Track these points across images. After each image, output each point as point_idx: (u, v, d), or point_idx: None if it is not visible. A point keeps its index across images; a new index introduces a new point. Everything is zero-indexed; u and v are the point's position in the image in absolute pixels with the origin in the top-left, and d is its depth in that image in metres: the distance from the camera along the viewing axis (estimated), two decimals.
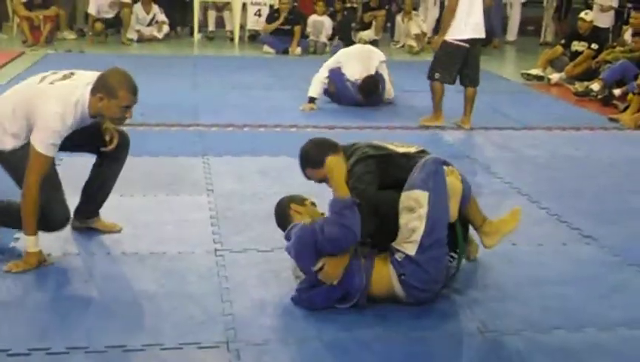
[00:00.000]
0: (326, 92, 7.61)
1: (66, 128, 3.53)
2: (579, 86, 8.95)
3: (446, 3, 6.69)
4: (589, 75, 9.12)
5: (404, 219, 3.34)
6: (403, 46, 12.03)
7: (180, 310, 3.31)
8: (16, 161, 3.62)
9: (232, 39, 12.25)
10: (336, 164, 3.37)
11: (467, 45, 6.59)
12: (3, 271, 3.57)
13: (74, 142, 3.70)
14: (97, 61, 9.09)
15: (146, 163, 5.42)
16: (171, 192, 4.83)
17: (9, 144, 3.62)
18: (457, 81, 6.81)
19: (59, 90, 3.58)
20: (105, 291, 3.57)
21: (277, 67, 9.98)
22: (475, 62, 6.77)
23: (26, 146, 3.57)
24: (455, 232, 3.48)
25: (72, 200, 3.95)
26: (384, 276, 3.34)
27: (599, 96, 8.30)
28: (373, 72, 7.49)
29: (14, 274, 3.55)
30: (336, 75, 7.51)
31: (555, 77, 9.47)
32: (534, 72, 9.71)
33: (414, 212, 3.30)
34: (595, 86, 8.43)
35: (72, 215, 3.88)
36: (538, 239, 4.29)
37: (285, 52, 11.26)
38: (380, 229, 3.41)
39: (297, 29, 11.33)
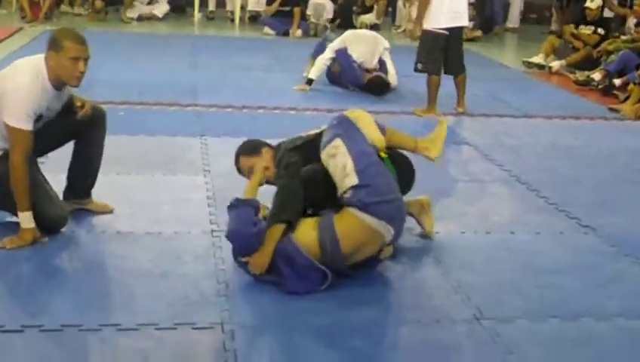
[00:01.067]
0: (328, 74, 7.57)
1: (35, 97, 3.50)
2: (579, 75, 8.93)
3: None
4: (590, 63, 9.10)
5: (331, 165, 3.43)
6: (404, 31, 11.97)
7: (175, 290, 3.29)
8: None
9: (232, 20, 12.20)
10: (259, 170, 3.62)
11: (446, 33, 6.56)
12: None
13: (52, 134, 3.69)
14: (97, 38, 9.04)
15: (144, 142, 5.40)
16: (168, 172, 4.80)
17: None
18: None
19: (16, 67, 3.60)
20: (99, 270, 3.55)
21: (277, 49, 9.93)
22: (456, 50, 6.74)
23: (4, 158, 3.56)
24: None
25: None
26: (350, 222, 3.32)
27: (600, 86, 8.27)
28: (375, 60, 7.44)
29: (8, 250, 3.53)
30: (342, 54, 7.44)
31: (555, 65, 9.44)
32: (535, 59, 9.68)
33: (336, 155, 3.41)
34: (597, 75, 8.40)
35: (64, 206, 3.83)
36: (536, 227, 4.28)
37: (286, 34, 11.20)
38: (320, 195, 3.48)
39: (297, 10, 11.26)
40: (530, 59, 9.73)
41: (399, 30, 12.29)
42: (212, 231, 3.92)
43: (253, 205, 3.44)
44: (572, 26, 9.75)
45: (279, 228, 3.31)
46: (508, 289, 3.51)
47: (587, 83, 8.45)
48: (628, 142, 6.33)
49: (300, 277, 3.29)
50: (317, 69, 7.45)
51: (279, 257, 3.30)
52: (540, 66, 9.59)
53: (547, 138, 6.30)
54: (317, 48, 7.84)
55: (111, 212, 4.05)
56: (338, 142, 3.44)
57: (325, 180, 3.45)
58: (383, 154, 3.60)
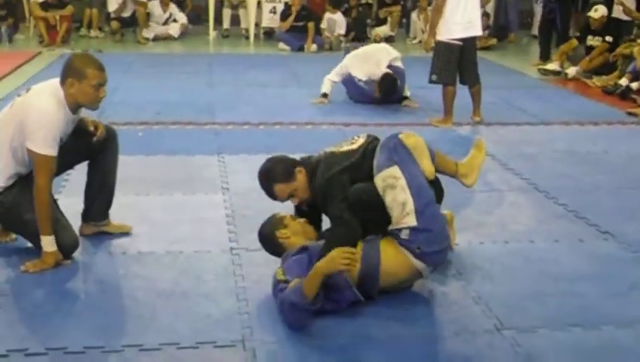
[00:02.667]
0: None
1: (59, 122, 3.55)
2: (597, 80, 8.88)
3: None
4: (607, 68, 9.05)
5: (389, 197, 3.35)
6: (420, 42, 11.99)
7: (196, 309, 3.32)
8: (9, 202, 3.65)
9: (247, 37, 12.27)
10: (334, 259, 3.07)
11: (460, 43, 6.56)
12: (20, 271, 3.60)
13: (65, 157, 3.73)
14: (113, 60, 9.14)
15: (162, 162, 5.45)
16: (187, 191, 4.84)
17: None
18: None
19: (37, 93, 3.64)
20: (121, 291, 3.59)
21: (293, 64, 9.98)
22: (470, 60, 6.74)
23: (16, 185, 3.64)
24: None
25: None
26: (398, 260, 3.32)
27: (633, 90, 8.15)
28: (383, 69, 7.42)
29: (32, 273, 3.58)
30: (346, 80, 7.54)
31: (572, 71, 9.40)
32: (551, 66, 9.64)
33: (395, 187, 3.34)
34: (624, 81, 8.31)
35: (74, 232, 3.84)
36: (555, 235, 4.27)
37: (301, 49, 11.26)
38: (369, 219, 3.42)
39: (311, 25, 11.31)
40: (546, 67, 9.69)
41: (414, 41, 12.30)
42: (231, 249, 3.94)
43: (314, 309, 3.10)
44: (574, 41, 9.71)
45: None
46: (528, 299, 3.50)
47: (615, 90, 8.33)
48: None
49: (331, 297, 3.23)
50: (326, 84, 7.53)
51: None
52: (556, 73, 9.56)
53: (565, 145, 6.28)
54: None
55: (129, 232, 4.08)
56: (397, 172, 3.36)
57: (377, 205, 3.38)
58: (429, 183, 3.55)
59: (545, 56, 10.36)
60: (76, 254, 3.77)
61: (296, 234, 3.53)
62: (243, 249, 3.92)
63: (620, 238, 4.22)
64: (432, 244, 3.34)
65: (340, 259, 3.05)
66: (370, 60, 7.47)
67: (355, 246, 3.29)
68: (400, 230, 3.33)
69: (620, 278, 3.75)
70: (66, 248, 3.70)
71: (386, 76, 7.34)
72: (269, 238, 3.58)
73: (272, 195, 3.67)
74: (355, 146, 3.65)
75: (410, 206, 3.31)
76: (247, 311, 3.31)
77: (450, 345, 3.11)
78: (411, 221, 3.30)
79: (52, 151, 3.54)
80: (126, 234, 4.08)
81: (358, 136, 3.75)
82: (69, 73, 3.59)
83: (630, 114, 7.37)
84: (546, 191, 5.00)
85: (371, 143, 3.63)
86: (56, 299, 3.42)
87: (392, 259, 3.33)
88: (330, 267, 3.06)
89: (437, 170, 3.69)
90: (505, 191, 5.05)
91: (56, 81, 3.65)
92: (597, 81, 8.88)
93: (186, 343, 3.03)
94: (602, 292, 3.58)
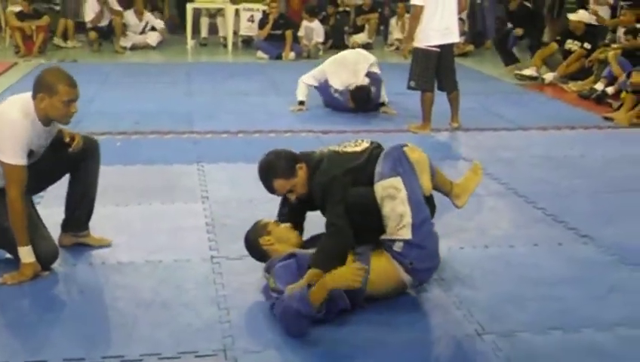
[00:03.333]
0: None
1: (26, 132, 3.53)
2: (573, 85, 8.97)
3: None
4: (583, 73, 9.14)
5: (387, 207, 3.35)
6: (397, 49, 12.04)
7: (177, 318, 3.30)
8: None
9: (225, 45, 12.25)
10: (344, 276, 3.09)
11: (438, 50, 6.60)
12: None
13: (45, 169, 3.73)
14: (91, 70, 9.11)
15: (141, 171, 5.43)
16: (166, 200, 4.82)
17: None
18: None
19: (5, 105, 3.63)
20: (101, 301, 3.56)
21: (271, 72, 9.98)
22: (448, 66, 6.78)
23: None
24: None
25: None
26: (388, 272, 3.35)
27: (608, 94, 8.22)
28: (361, 77, 7.41)
29: (10, 285, 3.54)
30: (323, 88, 7.55)
31: (549, 76, 9.48)
32: (527, 72, 9.72)
33: (396, 198, 3.34)
34: (599, 85, 8.39)
35: (54, 243, 3.81)
36: (534, 239, 4.30)
37: (279, 57, 11.26)
38: (363, 226, 3.40)
39: (289, 33, 11.32)
40: (522, 72, 9.77)
41: (391, 48, 12.34)
42: (212, 257, 3.93)
43: (318, 317, 3.12)
44: (554, 45, 9.80)
45: (319, 274, 3.18)
46: (508, 303, 3.51)
47: (590, 94, 8.41)
48: (623, 151, 6.34)
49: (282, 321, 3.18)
50: (301, 92, 7.53)
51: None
52: (533, 78, 9.64)
53: (542, 149, 6.33)
54: None
55: (109, 246, 4.05)
56: (400, 183, 3.37)
57: (374, 211, 3.39)
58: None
59: (510, 62, 10.43)
60: (55, 265, 3.75)
61: (280, 240, 3.52)
62: (223, 257, 3.91)
63: (598, 242, 4.26)
64: (425, 261, 3.37)
65: (352, 275, 3.07)
66: (348, 68, 7.49)
67: (346, 254, 3.30)
68: (394, 241, 3.34)
69: (599, 281, 3.78)
70: (45, 259, 3.67)
71: (359, 89, 7.36)
72: (254, 245, 3.59)
73: (271, 190, 3.65)
74: (359, 149, 3.65)
75: (408, 219, 3.32)
76: (228, 319, 3.30)
77: (433, 351, 3.12)
78: (407, 234, 3.31)
79: (20, 160, 3.52)
80: (104, 247, 4.04)
81: (362, 140, 3.75)
82: (40, 88, 3.56)
83: (606, 118, 7.44)
84: (525, 195, 5.04)
85: (375, 149, 3.64)
86: (36, 310, 3.39)
87: (382, 270, 3.34)
88: (340, 282, 3.07)
89: (435, 188, 3.71)
90: (484, 196, 5.07)
91: (29, 94, 3.63)
92: (573, 86, 8.97)
93: (168, 353, 3.01)
94: (582, 296, 3.61)
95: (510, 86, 9.48)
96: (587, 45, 9.34)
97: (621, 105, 7.63)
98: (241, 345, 3.09)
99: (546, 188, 5.23)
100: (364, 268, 3.13)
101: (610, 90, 8.15)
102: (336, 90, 7.44)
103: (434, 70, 6.66)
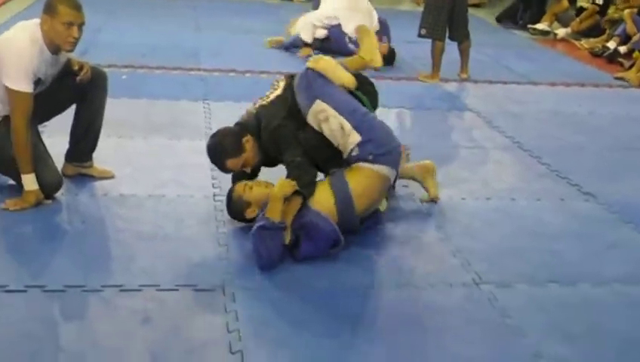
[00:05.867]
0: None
1: (33, 59, 3.50)
2: (585, 42, 8.87)
3: None
4: (597, 30, 9.03)
5: (326, 129, 3.50)
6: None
7: (177, 252, 3.32)
8: None
9: None
10: (283, 185, 3.31)
11: None
12: (0, 209, 3.58)
13: (53, 98, 3.72)
14: (98, 1, 8.99)
15: (146, 106, 5.40)
16: (171, 136, 4.81)
17: None
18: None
19: (14, 31, 3.59)
20: (102, 232, 3.58)
21: (281, 13, 9.84)
22: (460, 16, 6.68)
23: (1, 123, 3.60)
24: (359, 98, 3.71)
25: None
26: (362, 175, 3.44)
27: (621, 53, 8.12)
28: (375, 24, 7.20)
29: (12, 211, 3.56)
30: (335, 35, 7.23)
31: (561, 32, 9.38)
32: (540, 26, 9.61)
33: (328, 118, 3.49)
34: (612, 44, 8.30)
35: (59, 172, 3.82)
36: (537, 194, 4.30)
37: None
38: (325, 158, 3.55)
39: None
40: (535, 26, 9.65)
41: None
42: (214, 195, 3.94)
43: (282, 228, 3.25)
44: (565, 2, 9.63)
45: (298, 201, 3.31)
46: (507, 255, 3.53)
47: (602, 52, 8.31)
48: (632, 110, 6.31)
49: (313, 243, 3.29)
50: (308, 32, 7.28)
51: (297, 226, 3.30)
52: (545, 33, 9.53)
53: (551, 105, 6.29)
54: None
55: (112, 178, 4.05)
56: (321, 105, 3.50)
57: (326, 143, 3.52)
58: (355, 92, 3.69)
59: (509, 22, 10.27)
60: (58, 194, 3.75)
61: (260, 203, 3.44)
62: (225, 196, 3.90)
63: (600, 199, 4.26)
64: (382, 147, 3.48)
65: (287, 182, 3.30)
66: (363, 12, 7.18)
67: (313, 183, 3.42)
68: (352, 151, 3.45)
69: (599, 238, 3.79)
70: (49, 187, 3.68)
71: (392, 52, 7.20)
72: (240, 217, 3.54)
73: (225, 170, 3.66)
74: (279, 91, 3.71)
75: (347, 125, 3.46)
76: (227, 256, 3.32)
77: (427, 296, 3.14)
78: (355, 138, 3.45)
79: (26, 87, 3.50)
80: (107, 178, 4.04)
81: (277, 81, 3.83)
82: (45, 10, 3.54)
83: (618, 78, 7.37)
84: (530, 150, 5.02)
85: (292, 82, 3.70)
86: (38, 237, 3.41)
87: (357, 176, 3.44)
88: (285, 189, 3.27)
89: (353, 74, 3.77)
90: (489, 149, 5.06)
91: (38, 20, 3.59)
92: (585, 43, 8.88)
93: (166, 285, 3.04)
94: (581, 251, 3.62)
95: (522, 40, 9.37)
96: (599, 1, 9.21)
97: (633, 65, 7.56)
98: (238, 282, 3.12)
99: (552, 144, 5.22)
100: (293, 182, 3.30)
101: (622, 48, 8.07)
102: (350, 39, 7.10)
103: (446, 19, 6.58)
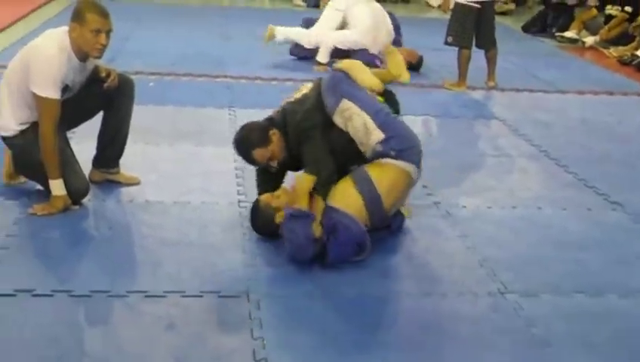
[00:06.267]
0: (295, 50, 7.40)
1: (61, 66, 3.55)
2: (613, 50, 8.80)
3: None
4: (625, 38, 8.95)
5: (350, 127, 3.54)
6: (439, 7, 11.83)
7: (201, 259, 3.34)
8: (24, 144, 3.67)
9: None
10: (303, 180, 3.44)
11: (478, 6, 6.49)
12: (28, 214, 3.62)
13: (81, 105, 3.78)
14: (127, 10, 9.09)
15: (173, 113, 5.45)
16: (197, 143, 4.84)
17: (12, 128, 3.68)
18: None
19: (43, 38, 3.65)
20: (128, 238, 3.61)
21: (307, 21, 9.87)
22: (488, 24, 6.66)
23: (30, 129, 3.65)
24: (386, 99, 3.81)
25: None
26: (386, 172, 3.48)
27: None
28: (393, 34, 7.17)
29: (39, 216, 3.60)
30: (363, 55, 6.76)
31: (589, 40, 9.31)
32: (568, 34, 9.55)
33: (352, 116, 3.52)
34: None
35: (86, 179, 3.86)
36: (563, 203, 4.26)
37: (316, 5, 11.13)
38: (350, 155, 3.58)
39: None
40: (563, 34, 9.59)
41: (434, 3, 12.14)
42: (239, 201, 3.95)
43: (312, 217, 3.31)
44: (593, 10, 9.55)
45: (321, 199, 3.41)
46: (533, 264, 3.50)
47: (631, 60, 8.23)
48: None
49: (342, 246, 3.31)
50: (326, 55, 7.05)
51: (327, 227, 3.32)
52: (573, 41, 9.46)
53: (578, 114, 6.24)
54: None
55: (138, 184, 4.09)
56: (347, 103, 3.54)
57: (350, 144, 3.56)
58: (380, 98, 3.74)
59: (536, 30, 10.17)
60: (85, 200, 3.79)
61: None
62: (251, 202, 3.90)
63: (628, 209, 4.21)
64: (404, 143, 3.53)
65: (308, 177, 3.40)
66: (383, 28, 7.07)
67: (331, 180, 3.47)
68: (373, 149, 3.50)
69: (626, 248, 3.75)
70: (76, 193, 3.72)
71: (420, 59, 7.19)
72: (269, 226, 3.50)
73: (252, 161, 3.67)
74: (306, 90, 3.76)
75: (371, 123, 3.50)
76: (252, 263, 3.33)
77: (452, 305, 3.12)
78: (378, 135, 3.49)
79: (54, 94, 3.55)
80: (133, 185, 4.08)
81: (304, 85, 3.87)
82: (73, 17, 3.59)
83: None
84: (557, 158, 4.99)
85: (319, 84, 3.73)
86: (65, 242, 3.45)
87: (380, 172, 3.48)
88: (302, 186, 3.39)
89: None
90: (515, 157, 5.03)
91: (67, 28, 3.64)
92: (614, 51, 8.80)
93: (191, 292, 3.05)
94: (607, 261, 3.58)
95: (550, 48, 9.31)
96: (628, 8, 9.13)
97: None
98: (263, 289, 3.12)
99: (579, 153, 5.17)
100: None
101: None
102: (377, 57, 6.91)
103: (472, 27, 6.56)
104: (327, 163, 3.50)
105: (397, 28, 7.37)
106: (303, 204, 3.38)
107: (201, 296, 3.03)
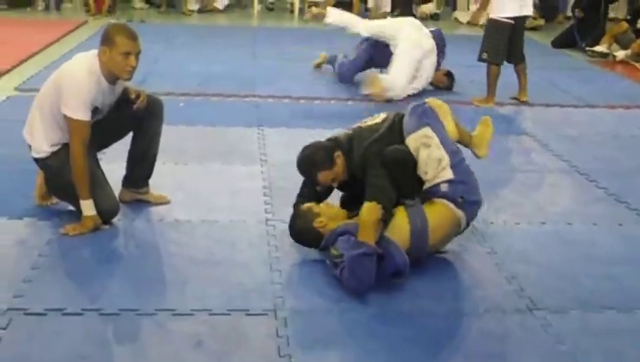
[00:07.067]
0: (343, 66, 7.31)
1: (90, 89, 3.61)
2: None
3: None
4: None
5: (424, 154, 3.49)
6: (468, 23, 11.80)
7: (229, 277, 3.36)
8: (56, 165, 3.74)
9: (292, 11, 12.23)
10: (371, 210, 3.29)
11: (512, 22, 6.47)
12: (60, 234, 3.67)
13: (111, 126, 3.85)
14: (157, 31, 9.22)
15: (202, 132, 5.50)
16: (225, 162, 4.87)
17: (44, 150, 3.75)
18: None
19: (73, 61, 3.73)
20: (157, 256, 3.65)
21: (336, 40, 9.90)
22: (519, 38, 6.63)
23: (62, 150, 3.71)
24: None
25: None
26: (442, 213, 3.46)
27: None
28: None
29: (71, 236, 3.65)
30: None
31: (620, 54, 9.21)
32: (599, 48, 9.46)
33: (430, 145, 3.49)
34: None
35: (116, 199, 3.91)
36: (594, 218, 4.22)
37: None
38: (402, 179, 3.51)
39: (357, 0, 11.23)
40: (594, 48, 9.51)
41: (464, 19, 12.13)
42: (267, 220, 3.97)
43: (380, 253, 3.24)
44: (624, 24, 9.47)
45: (380, 226, 3.33)
46: (562, 280, 3.47)
47: None
48: None
49: (381, 270, 3.26)
50: (404, 88, 6.69)
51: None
52: (604, 55, 9.38)
53: (609, 128, 6.18)
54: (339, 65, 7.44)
55: (167, 203, 4.13)
56: (430, 131, 3.53)
57: (410, 163, 3.52)
58: None
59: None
60: (115, 219, 3.84)
61: (331, 218, 3.52)
62: (278, 220, 3.94)
63: None
64: (472, 194, 3.53)
65: (375, 206, 3.28)
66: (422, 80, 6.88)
67: (391, 208, 3.41)
68: (438, 185, 3.46)
69: None
70: (106, 213, 3.77)
71: (450, 74, 7.16)
72: (307, 231, 3.52)
73: (315, 182, 3.68)
74: (379, 120, 3.75)
75: (446, 161, 3.47)
76: (280, 281, 3.34)
77: (480, 323, 3.10)
78: (448, 174, 3.46)
79: (84, 116, 3.61)
80: (163, 204, 4.12)
81: (378, 115, 3.84)
82: (102, 41, 3.65)
83: None
84: (587, 173, 4.94)
85: (397, 116, 3.72)
86: (95, 261, 3.50)
87: (437, 213, 3.45)
88: (371, 216, 3.24)
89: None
90: (544, 173, 5.00)
91: (96, 51, 3.70)
92: None
93: (218, 310, 3.07)
94: (638, 277, 3.54)
95: (580, 62, 9.25)
96: None
97: None
98: (291, 306, 3.13)
99: (610, 168, 5.12)
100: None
101: None
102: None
103: (506, 43, 6.53)
104: (389, 193, 3.46)
105: (441, 48, 7.03)
106: (369, 233, 3.23)
107: (228, 315, 3.05)
